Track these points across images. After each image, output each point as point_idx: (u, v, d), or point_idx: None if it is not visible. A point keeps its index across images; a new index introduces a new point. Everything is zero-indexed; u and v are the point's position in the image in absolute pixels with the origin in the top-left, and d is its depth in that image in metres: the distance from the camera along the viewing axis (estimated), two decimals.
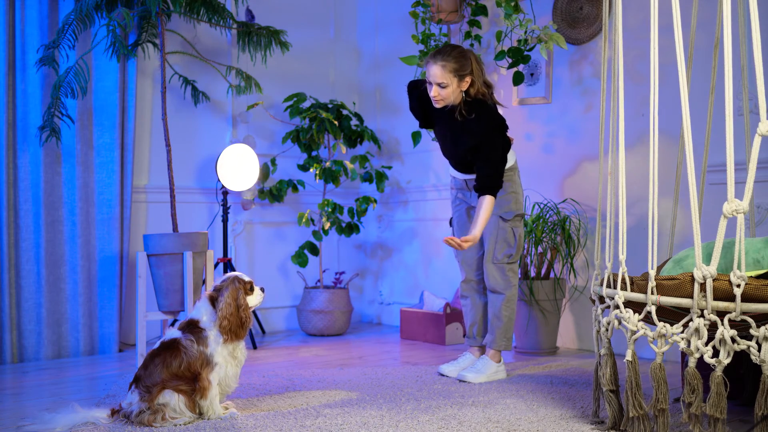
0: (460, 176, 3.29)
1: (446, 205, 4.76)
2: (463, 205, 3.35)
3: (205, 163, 4.60)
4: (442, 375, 3.25)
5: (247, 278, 2.54)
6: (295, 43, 4.76)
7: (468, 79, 3.03)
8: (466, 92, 3.06)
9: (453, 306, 4.33)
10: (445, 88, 3.01)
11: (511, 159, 3.21)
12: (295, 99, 4.65)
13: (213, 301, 2.49)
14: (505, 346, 3.22)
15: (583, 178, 3.98)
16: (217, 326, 2.44)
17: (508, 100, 4.36)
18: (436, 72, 2.99)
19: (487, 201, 3.00)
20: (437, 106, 3.10)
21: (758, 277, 2.03)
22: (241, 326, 2.46)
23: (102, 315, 4.03)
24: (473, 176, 3.20)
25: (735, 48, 2.91)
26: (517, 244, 3.21)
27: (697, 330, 1.97)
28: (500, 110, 3.20)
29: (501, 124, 3.09)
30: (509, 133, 3.20)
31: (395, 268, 5.16)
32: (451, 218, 3.44)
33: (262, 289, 2.59)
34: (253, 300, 2.54)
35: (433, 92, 3.03)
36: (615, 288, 2.21)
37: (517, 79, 3.94)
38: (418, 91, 3.29)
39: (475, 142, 3.06)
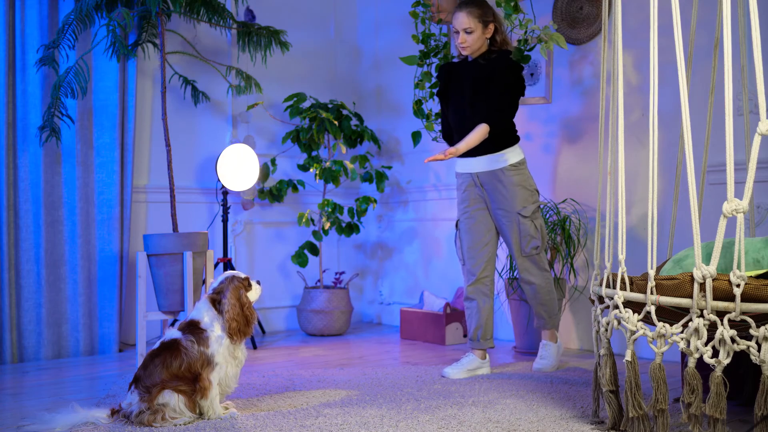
0: (467, 169, 3.32)
1: (446, 205, 4.76)
2: (473, 207, 3.33)
3: (205, 163, 4.60)
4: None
5: (243, 275, 2.56)
6: (295, 43, 4.76)
7: (491, 26, 3.27)
8: (493, 40, 3.26)
9: (453, 306, 4.33)
10: (471, 33, 3.23)
11: (519, 153, 3.30)
12: (295, 99, 4.65)
13: (214, 303, 2.50)
14: (556, 324, 3.42)
15: (582, 178, 3.98)
16: (220, 327, 2.45)
17: None
18: (462, 18, 3.22)
19: (483, 129, 3.15)
20: (464, 53, 3.30)
21: (758, 276, 2.03)
22: (247, 324, 2.49)
23: (102, 315, 4.03)
24: (482, 170, 3.28)
25: (735, 48, 2.91)
26: (541, 235, 3.29)
27: (696, 330, 1.96)
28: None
29: (517, 66, 3.27)
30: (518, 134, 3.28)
31: (395, 268, 5.15)
32: (458, 220, 3.41)
33: (258, 282, 2.61)
34: (253, 295, 2.57)
35: (460, 39, 3.25)
36: (614, 288, 2.21)
37: None
38: (444, 70, 3.45)
39: (489, 76, 3.21)
